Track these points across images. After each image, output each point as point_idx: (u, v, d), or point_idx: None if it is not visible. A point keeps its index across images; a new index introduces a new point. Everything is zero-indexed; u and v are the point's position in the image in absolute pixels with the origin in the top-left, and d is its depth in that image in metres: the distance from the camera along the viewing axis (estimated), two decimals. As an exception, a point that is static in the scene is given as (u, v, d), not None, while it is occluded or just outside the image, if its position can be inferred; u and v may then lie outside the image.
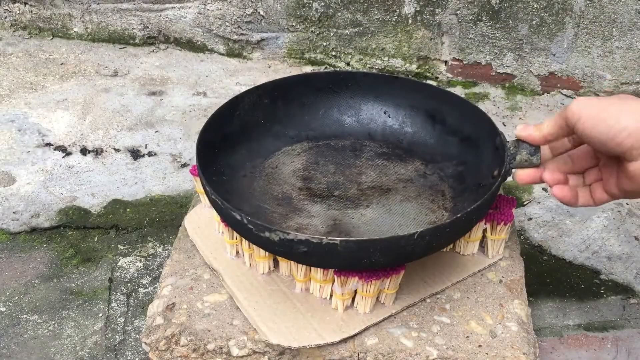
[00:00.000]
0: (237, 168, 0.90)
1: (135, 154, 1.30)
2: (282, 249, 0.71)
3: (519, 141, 0.77)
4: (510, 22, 1.45)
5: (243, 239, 0.81)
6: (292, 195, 0.87)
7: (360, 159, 0.95)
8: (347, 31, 1.54)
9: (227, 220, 0.76)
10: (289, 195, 0.88)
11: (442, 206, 0.86)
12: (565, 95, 1.50)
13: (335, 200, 0.87)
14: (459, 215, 0.71)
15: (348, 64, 1.58)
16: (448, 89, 1.25)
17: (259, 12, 1.55)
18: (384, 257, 0.70)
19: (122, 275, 1.04)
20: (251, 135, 0.93)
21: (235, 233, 0.82)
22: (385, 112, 0.98)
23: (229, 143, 0.90)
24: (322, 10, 1.52)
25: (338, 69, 1.58)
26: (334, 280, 0.75)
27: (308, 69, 1.59)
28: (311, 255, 0.69)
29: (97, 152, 1.30)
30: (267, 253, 0.80)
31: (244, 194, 0.87)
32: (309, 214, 0.84)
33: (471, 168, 0.88)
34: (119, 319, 0.96)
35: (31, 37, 1.68)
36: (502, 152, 0.78)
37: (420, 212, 0.85)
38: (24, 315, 0.97)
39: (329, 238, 0.67)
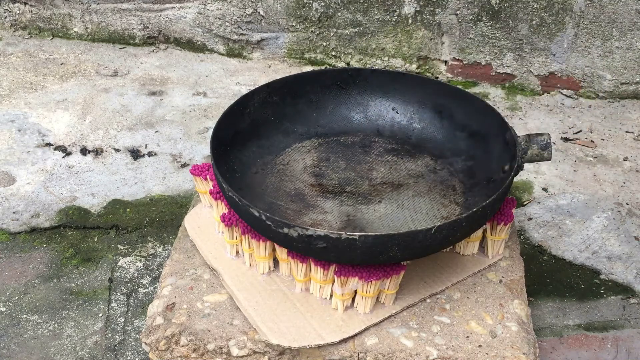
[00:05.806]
0: (248, 165, 0.90)
1: (135, 154, 1.30)
2: (301, 245, 0.71)
3: (530, 135, 0.77)
4: (510, 22, 1.45)
5: (243, 239, 0.81)
6: (305, 192, 0.88)
7: (370, 155, 0.95)
8: (347, 31, 1.53)
9: (245, 217, 0.76)
10: (302, 191, 0.88)
11: (453, 201, 0.86)
12: (565, 95, 1.50)
13: (347, 196, 0.87)
14: (474, 209, 0.71)
15: (348, 64, 1.58)
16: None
17: (259, 12, 1.55)
18: (401, 252, 0.70)
19: (122, 275, 1.04)
20: (261, 133, 0.94)
21: (235, 233, 0.82)
22: (393, 109, 0.99)
23: (240, 141, 0.91)
24: (322, 10, 1.52)
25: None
26: (334, 281, 0.75)
27: (308, 69, 1.59)
28: (330, 250, 0.70)
29: (97, 152, 1.30)
30: (267, 253, 0.80)
31: (256, 190, 0.87)
32: (322, 210, 0.85)
33: (480, 163, 0.89)
34: (119, 319, 0.96)
35: (31, 37, 1.68)
36: (513, 147, 0.79)
37: (432, 207, 0.86)
38: (24, 315, 0.97)
39: (348, 233, 0.68)
